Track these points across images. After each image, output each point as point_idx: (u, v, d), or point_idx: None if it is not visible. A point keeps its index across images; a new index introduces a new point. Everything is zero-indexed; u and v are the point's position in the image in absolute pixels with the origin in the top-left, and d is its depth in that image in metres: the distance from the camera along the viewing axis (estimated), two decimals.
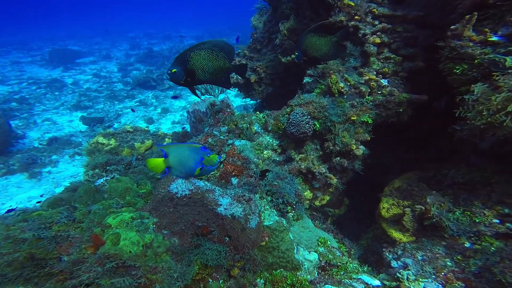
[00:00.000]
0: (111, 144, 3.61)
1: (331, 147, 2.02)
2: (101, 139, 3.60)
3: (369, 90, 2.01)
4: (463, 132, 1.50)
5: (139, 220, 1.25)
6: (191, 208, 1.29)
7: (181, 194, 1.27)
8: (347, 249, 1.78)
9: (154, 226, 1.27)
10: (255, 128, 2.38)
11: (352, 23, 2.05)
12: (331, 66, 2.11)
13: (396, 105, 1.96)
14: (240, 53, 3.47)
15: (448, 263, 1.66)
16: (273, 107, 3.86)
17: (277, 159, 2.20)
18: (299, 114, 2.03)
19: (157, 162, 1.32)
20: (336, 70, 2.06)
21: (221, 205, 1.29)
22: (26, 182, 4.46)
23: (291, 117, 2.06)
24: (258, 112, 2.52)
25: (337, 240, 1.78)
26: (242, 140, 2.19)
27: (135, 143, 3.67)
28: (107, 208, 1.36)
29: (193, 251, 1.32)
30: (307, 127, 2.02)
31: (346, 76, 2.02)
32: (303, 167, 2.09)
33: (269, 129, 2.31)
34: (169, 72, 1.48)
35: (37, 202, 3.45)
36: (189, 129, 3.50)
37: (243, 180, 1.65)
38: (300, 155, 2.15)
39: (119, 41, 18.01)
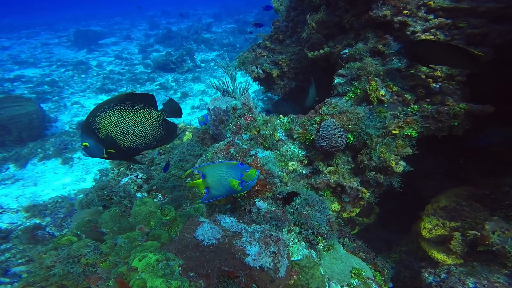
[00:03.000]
0: None
1: (365, 162, 1.71)
2: None
3: (415, 98, 1.64)
4: None
5: (165, 262, 1.10)
6: (217, 255, 1.10)
7: (207, 242, 1.09)
8: (381, 274, 1.56)
9: (180, 268, 1.11)
10: (278, 134, 2.09)
11: (398, 18, 1.61)
12: (369, 68, 1.72)
13: (450, 117, 1.58)
14: (261, 44, 3.05)
15: None
16: (296, 101, 3.49)
17: (303, 171, 1.94)
18: (331, 126, 1.71)
19: (196, 184, 1.22)
20: (376, 74, 1.67)
21: (249, 254, 1.09)
22: (60, 167, 4.52)
23: (321, 129, 1.75)
24: (281, 116, 2.21)
25: (370, 265, 1.57)
26: (266, 151, 1.93)
27: None
28: (132, 241, 1.22)
29: None
30: (339, 141, 1.72)
31: (388, 81, 1.64)
32: (332, 181, 1.82)
33: (295, 137, 2.02)
34: (82, 147, 1.15)
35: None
36: (207, 119, 3.24)
37: (270, 213, 1.43)
38: (330, 167, 1.87)
39: (138, 20, 17.33)
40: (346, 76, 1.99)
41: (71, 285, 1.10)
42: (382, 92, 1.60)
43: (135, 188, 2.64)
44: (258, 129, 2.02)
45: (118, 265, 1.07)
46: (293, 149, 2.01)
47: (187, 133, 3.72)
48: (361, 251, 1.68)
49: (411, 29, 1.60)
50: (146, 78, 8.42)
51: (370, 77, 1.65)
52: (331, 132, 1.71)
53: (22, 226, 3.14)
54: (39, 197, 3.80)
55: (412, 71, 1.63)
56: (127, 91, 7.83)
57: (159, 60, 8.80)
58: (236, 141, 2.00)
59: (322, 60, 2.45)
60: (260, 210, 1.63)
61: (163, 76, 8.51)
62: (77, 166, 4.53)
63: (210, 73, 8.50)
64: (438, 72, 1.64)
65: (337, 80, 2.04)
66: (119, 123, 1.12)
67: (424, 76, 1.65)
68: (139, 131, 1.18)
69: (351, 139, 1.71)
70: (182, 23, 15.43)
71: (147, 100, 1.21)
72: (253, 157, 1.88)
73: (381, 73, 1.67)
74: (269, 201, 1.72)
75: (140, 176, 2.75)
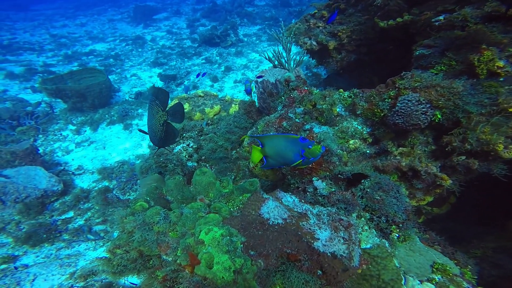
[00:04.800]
0: (185, 108, 3.46)
1: (455, 144, 1.34)
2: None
3: None
4: None
5: (228, 238, 1.00)
6: (281, 235, 0.95)
7: (273, 222, 0.94)
8: (470, 272, 1.27)
9: (242, 246, 1.01)
10: (337, 109, 1.79)
11: None
12: (480, 36, 1.25)
13: None
14: (316, 14, 2.59)
15: None
16: (353, 76, 3.03)
17: (368, 151, 1.64)
18: (413, 101, 1.34)
19: (255, 153, 1.19)
20: (492, 43, 1.21)
21: (318, 239, 0.91)
22: (122, 132, 4.86)
23: (398, 104, 1.40)
24: (341, 90, 1.87)
25: (454, 261, 1.28)
26: (323, 127, 1.66)
27: (205, 108, 3.44)
28: (196, 212, 1.17)
29: (277, 275, 1.05)
30: (421, 118, 1.36)
31: None
32: (404, 164, 1.50)
33: (358, 113, 1.70)
34: None
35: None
36: (251, 93, 3.03)
37: (336, 195, 1.20)
38: (401, 148, 1.54)
39: None
40: (435, 46, 1.53)
41: (146, 251, 1.11)
42: (501, 63, 1.16)
43: (186, 156, 2.64)
44: (313, 102, 1.74)
45: (186, 236, 1.01)
46: (356, 126, 1.70)
47: (233, 105, 3.58)
48: (436, 243, 1.39)
49: None
50: (193, 52, 8.37)
51: (483, 46, 1.20)
52: (412, 107, 1.35)
53: (96, 188, 3.47)
54: (107, 160, 4.14)
55: None
56: (176, 65, 7.91)
57: (205, 35, 8.60)
58: (289, 115, 1.77)
59: (398, 30, 1.95)
60: (318, 190, 1.42)
61: (208, 50, 8.35)
62: (135, 132, 4.82)
63: (252, 48, 8.06)
64: None
65: (420, 51, 1.60)
66: (148, 113, 1.19)
67: None
68: (149, 124, 1.22)
69: (439, 116, 1.34)
70: None
71: (164, 97, 1.19)
72: (307, 132, 1.64)
73: (504, 40, 1.20)
74: (327, 181, 1.50)
75: (191, 145, 2.73)
